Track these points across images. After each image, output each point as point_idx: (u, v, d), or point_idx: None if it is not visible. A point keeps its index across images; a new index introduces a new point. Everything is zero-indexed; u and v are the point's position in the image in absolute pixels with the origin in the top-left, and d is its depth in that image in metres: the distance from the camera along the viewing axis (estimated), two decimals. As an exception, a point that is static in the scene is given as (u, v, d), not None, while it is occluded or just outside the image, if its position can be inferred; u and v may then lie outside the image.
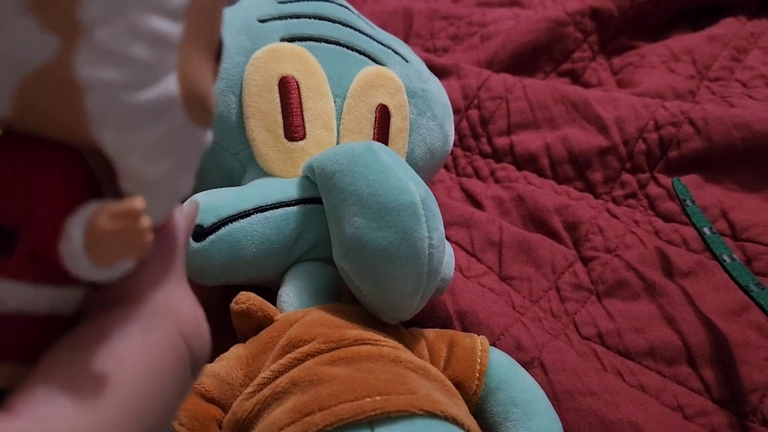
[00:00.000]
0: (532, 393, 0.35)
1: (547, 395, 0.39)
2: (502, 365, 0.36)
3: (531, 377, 0.36)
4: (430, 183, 0.54)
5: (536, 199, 0.53)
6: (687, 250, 0.50)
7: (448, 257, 0.41)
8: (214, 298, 0.43)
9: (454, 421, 0.29)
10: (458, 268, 0.47)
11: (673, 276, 0.48)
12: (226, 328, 0.37)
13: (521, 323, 0.44)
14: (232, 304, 0.35)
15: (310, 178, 0.38)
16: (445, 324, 0.43)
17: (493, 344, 0.42)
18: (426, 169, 0.47)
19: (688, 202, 0.47)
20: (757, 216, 0.52)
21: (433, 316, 0.44)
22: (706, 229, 0.45)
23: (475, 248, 0.49)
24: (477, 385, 0.34)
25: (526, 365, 0.41)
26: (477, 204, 0.53)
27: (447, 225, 0.50)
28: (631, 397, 0.41)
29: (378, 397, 0.28)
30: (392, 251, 0.32)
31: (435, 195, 0.49)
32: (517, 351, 0.42)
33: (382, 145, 0.36)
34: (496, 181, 0.56)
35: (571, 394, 0.40)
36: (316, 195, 0.38)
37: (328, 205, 0.35)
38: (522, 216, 0.52)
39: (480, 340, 0.37)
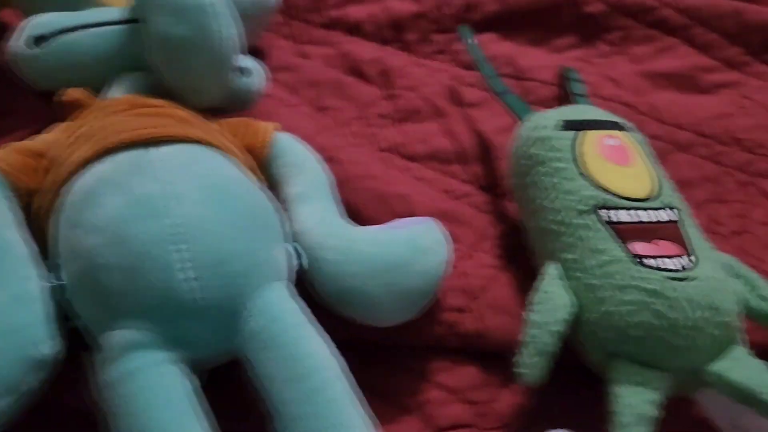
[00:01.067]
0: (305, 157, 0.45)
1: (339, 179, 0.48)
2: (284, 140, 0.45)
3: (309, 151, 0.46)
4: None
5: (358, 54, 0.62)
6: (478, 89, 0.60)
7: (260, 78, 0.50)
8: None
9: (225, 151, 0.39)
10: (279, 101, 0.56)
11: (462, 105, 0.59)
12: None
13: (326, 134, 0.53)
14: (56, 97, 0.43)
15: (134, 6, 0.47)
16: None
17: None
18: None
19: (470, 41, 0.58)
20: (538, 62, 0.63)
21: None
22: (486, 66, 0.56)
23: (297, 87, 0.58)
24: (261, 148, 0.43)
25: (327, 160, 0.51)
26: (306, 57, 0.63)
27: (274, 70, 0.59)
28: (407, 181, 0.51)
29: (154, 129, 0.38)
30: (190, 41, 0.41)
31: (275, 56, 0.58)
32: (320, 151, 0.51)
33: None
34: (329, 44, 0.65)
35: (358, 178, 0.50)
36: (138, 17, 0.46)
37: (141, 14, 0.44)
38: (344, 67, 0.62)
39: (273, 126, 0.46)
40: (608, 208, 0.40)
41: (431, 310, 0.42)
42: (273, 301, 0.34)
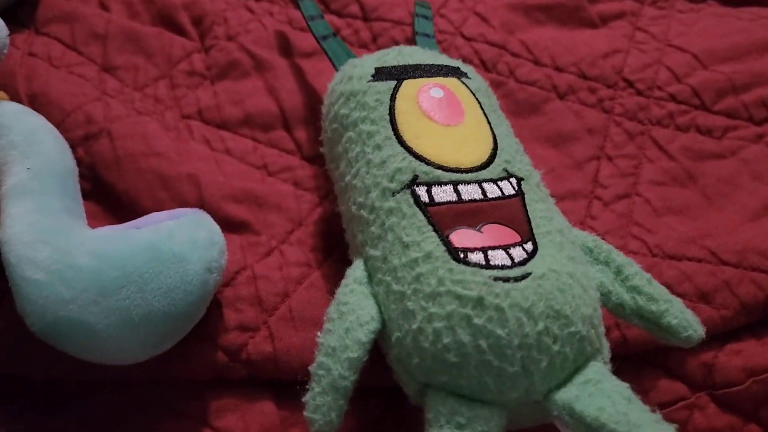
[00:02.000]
0: (35, 137, 0.33)
1: (110, 160, 0.37)
2: (9, 113, 0.33)
3: (46, 129, 0.34)
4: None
5: (166, -1, 0.50)
6: (316, 35, 0.49)
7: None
8: None
9: None
10: (46, 60, 0.44)
11: (291, 56, 0.47)
12: None
13: (102, 102, 0.41)
14: None
15: None
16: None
17: (62, 120, 0.40)
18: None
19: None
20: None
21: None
22: (309, 5, 0.45)
23: (76, 41, 0.46)
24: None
25: (94, 136, 0.39)
26: (105, 8, 0.50)
27: (46, 22, 0.46)
28: (204, 157, 0.40)
29: None
30: None
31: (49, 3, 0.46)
32: (86, 124, 0.40)
33: None
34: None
35: (133, 156, 0.38)
36: None
37: None
38: (151, 15, 0.50)
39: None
40: (425, 185, 0.29)
41: (208, 331, 0.31)
42: None
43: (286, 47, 0.48)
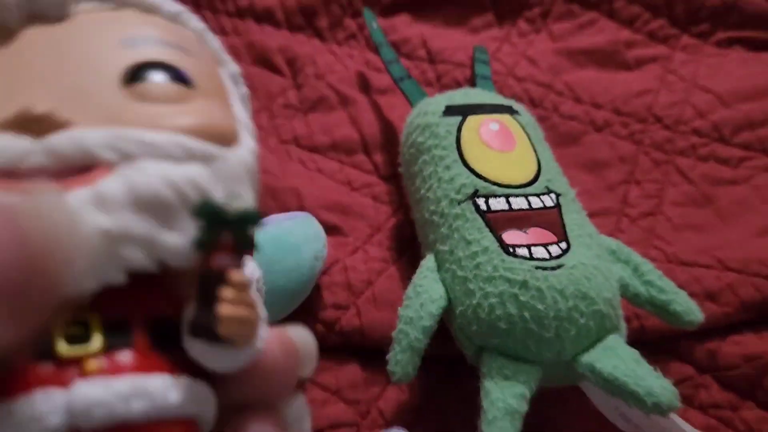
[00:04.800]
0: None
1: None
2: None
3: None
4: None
5: (266, 43, 0.60)
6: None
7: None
8: None
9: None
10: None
11: (369, 92, 0.57)
12: None
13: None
14: None
15: None
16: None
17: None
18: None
19: (374, 25, 0.56)
20: (453, 43, 0.60)
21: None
22: (386, 51, 0.54)
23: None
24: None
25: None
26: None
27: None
28: (303, 174, 0.50)
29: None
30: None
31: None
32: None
33: None
34: (238, 34, 0.63)
35: (248, 172, 0.48)
36: None
37: None
38: (253, 58, 0.60)
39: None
40: (484, 197, 0.38)
41: (310, 308, 0.41)
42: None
43: (364, 85, 0.57)
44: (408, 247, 0.45)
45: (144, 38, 0.19)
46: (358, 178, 0.51)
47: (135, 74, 0.18)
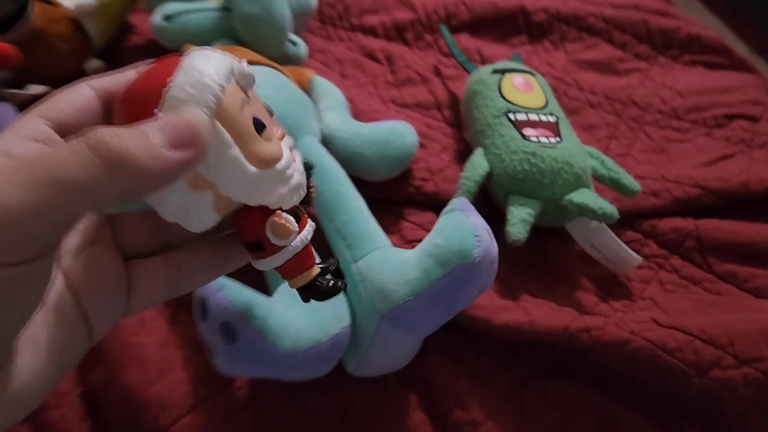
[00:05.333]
0: (331, 88, 0.72)
1: (355, 112, 0.76)
2: (319, 78, 0.73)
3: (334, 86, 0.73)
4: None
5: (371, 45, 0.90)
6: (452, 69, 0.88)
7: (304, 49, 0.78)
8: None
9: (284, 74, 0.66)
10: (316, 69, 0.84)
11: (440, 76, 0.86)
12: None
13: (348, 90, 0.81)
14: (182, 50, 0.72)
15: None
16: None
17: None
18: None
19: (446, 33, 0.86)
20: (498, 52, 0.90)
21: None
22: (453, 46, 0.84)
23: (328, 63, 0.87)
24: (306, 81, 0.71)
25: (348, 101, 0.78)
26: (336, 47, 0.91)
27: (312, 52, 0.87)
28: (399, 117, 0.78)
29: (247, 57, 0.65)
30: (261, 17, 0.69)
31: (313, 44, 0.85)
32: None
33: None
34: (351, 41, 0.93)
35: (366, 112, 0.77)
36: (228, 5, 0.74)
37: (230, 2, 0.72)
38: (361, 53, 0.90)
39: (312, 71, 0.74)
40: (513, 113, 0.66)
41: (406, 177, 0.68)
42: (309, 143, 0.60)
43: (437, 72, 0.87)
44: (462, 158, 0.73)
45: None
46: (433, 123, 0.79)
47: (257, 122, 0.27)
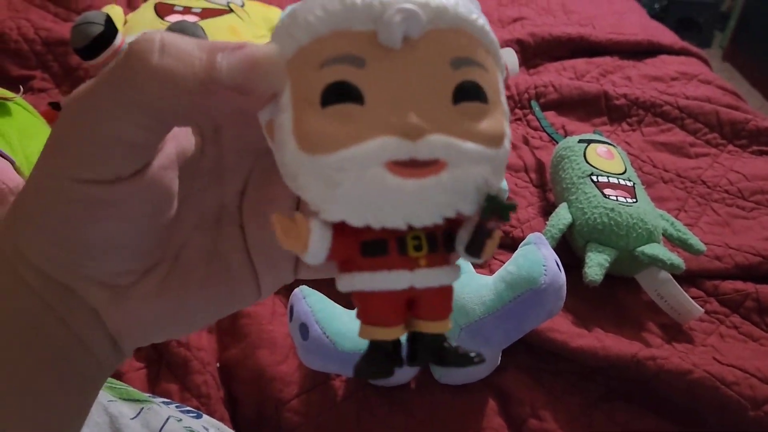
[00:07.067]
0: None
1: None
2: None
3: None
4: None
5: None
6: (540, 140, 1.00)
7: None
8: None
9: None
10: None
11: (528, 145, 0.98)
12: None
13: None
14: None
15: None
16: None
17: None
18: None
19: (537, 107, 0.98)
20: (581, 129, 1.02)
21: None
22: (546, 126, 0.96)
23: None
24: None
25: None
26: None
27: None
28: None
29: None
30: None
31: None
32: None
33: None
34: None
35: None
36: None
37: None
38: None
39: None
40: (596, 175, 0.77)
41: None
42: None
43: (526, 141, 0.99)
44: (546, 213, 0.83)
45: (465, 60, 0.22)
46: (521, 184, 0.90)
47: (458, 94, 0.21)
